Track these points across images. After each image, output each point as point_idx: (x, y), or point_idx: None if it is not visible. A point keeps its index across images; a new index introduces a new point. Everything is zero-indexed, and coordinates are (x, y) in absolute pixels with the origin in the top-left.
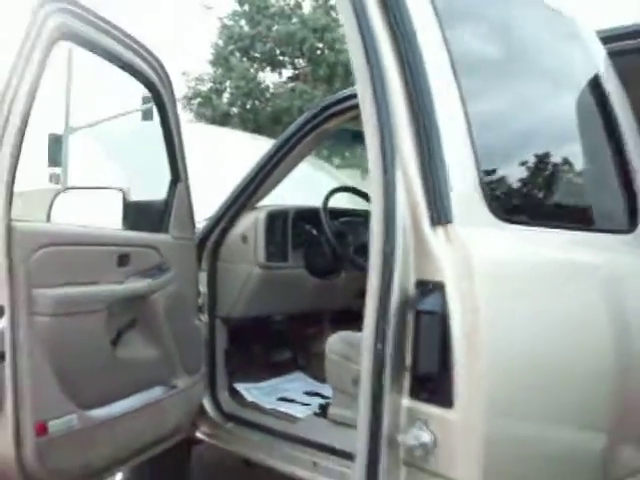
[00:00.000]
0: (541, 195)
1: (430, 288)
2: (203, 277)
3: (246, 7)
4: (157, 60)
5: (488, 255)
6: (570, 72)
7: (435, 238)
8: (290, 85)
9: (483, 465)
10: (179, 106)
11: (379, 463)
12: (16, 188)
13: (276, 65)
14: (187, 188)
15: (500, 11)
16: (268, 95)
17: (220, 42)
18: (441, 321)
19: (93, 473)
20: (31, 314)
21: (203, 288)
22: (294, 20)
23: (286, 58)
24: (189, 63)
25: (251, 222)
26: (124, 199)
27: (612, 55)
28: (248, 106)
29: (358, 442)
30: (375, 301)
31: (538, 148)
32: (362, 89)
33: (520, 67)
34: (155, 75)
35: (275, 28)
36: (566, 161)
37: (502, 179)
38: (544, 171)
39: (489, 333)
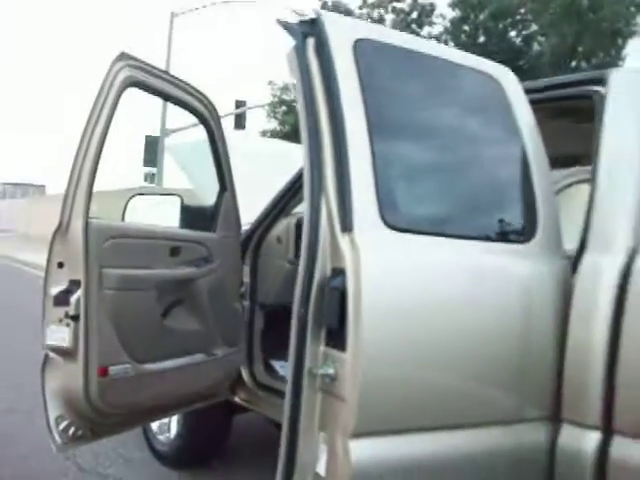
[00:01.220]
0: (432, 212)
1: (338, 272)
2: (246, 270)
3: None
4: (206, 97)
5: (373, 252)
6: (480, 114)
7: (343, 240)
8: None
9: (361, 390)
10: (264, 113)
11: (302, 387)
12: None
13: None
14: (233, 196)
15: (418, 79)
16: None
17: None
18: (342, 294)
19: (144, 411)
20: (100, 288)
21: (246, 279)
22: None
23: None
24: (276, 72)
25: (285, 226)
26: (181, 203)
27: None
28: None
29: (288, 373)
30: (303, 280)
31: (432, 179)
32: (305, 145)
33: (424, 119)
34: (205, 109)
35: None
36: (456, 183)
37: (396, 202)
38: (435, 194)
39: (368, 304)
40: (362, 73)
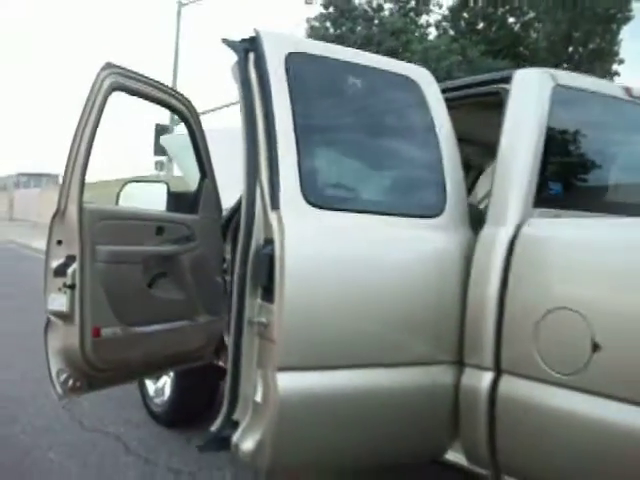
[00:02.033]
0: (348, 192)
1: (268, 241)
2: (228, 248)
3: (331, 9)
4: (185, 98)
5: (295, 225)
6: (399, 110)
7: (272, 216)
8: None
9: (285, 333)
10: None
11: (243, 334)
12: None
13: None
14: (213, 182)
15: (342, 83)
16: None
17: None
18: (271, 259)
19: (134, 368)
20: (93, 261)
21: (228, 255)
22: (375, 22)
23: None
24: None
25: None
26: (168, 190)
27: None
28: None
29: (231, 322)
30: (242, 248)
31: (353, 167)
32: (244, 140)
33: (345, 117)
34: (185, 109)
35: (358, 30)
36: (374, 169)
37: (316, 185)
38: (354, 179)
39: (290, 267)
40: (291, 81)
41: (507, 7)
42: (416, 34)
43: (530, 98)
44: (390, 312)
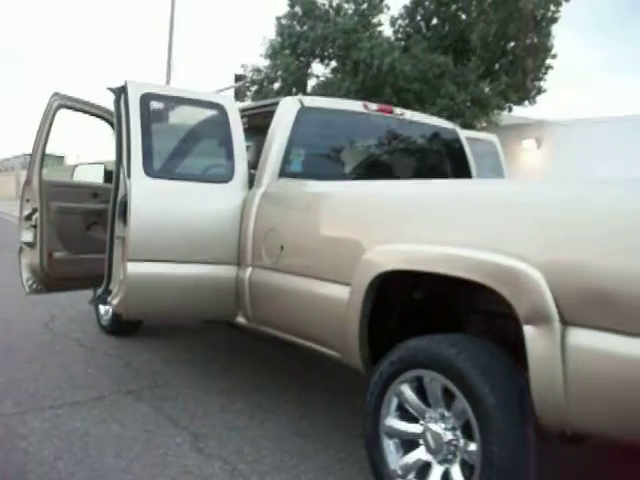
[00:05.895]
0: (170, 165)
1: (125, 195)
2: None
3: (297, 9)
4: (110, 111)
5: (138, 187)
6: (210, 123)
7: (127, 181)
8: (325, 78)
9: (132, 241)
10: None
11: (114, 242)
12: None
13: (324, 58)
14: None
15: (173, 108)
16: (312, 85)
17: (278, 38)
18: (126, 203)
19: (76, 280)
20: (48, 212)
21: None
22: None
23: (325, 53)
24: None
25: None
26: (105, 169)
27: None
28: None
29: (107, 238)
30: (113, 199)
31: (176, 154)
32: (116, 142)
33: (173, 126)
34: (110, 117)
35: (320, 27)
36: (190, 156)
37: (151, 164)
38: (177, 161)
39: (134, 208)
40: (142, 110)
41: (459, 4)
42: (366, 34)
43: (282, 115)
44: (195, 232)
